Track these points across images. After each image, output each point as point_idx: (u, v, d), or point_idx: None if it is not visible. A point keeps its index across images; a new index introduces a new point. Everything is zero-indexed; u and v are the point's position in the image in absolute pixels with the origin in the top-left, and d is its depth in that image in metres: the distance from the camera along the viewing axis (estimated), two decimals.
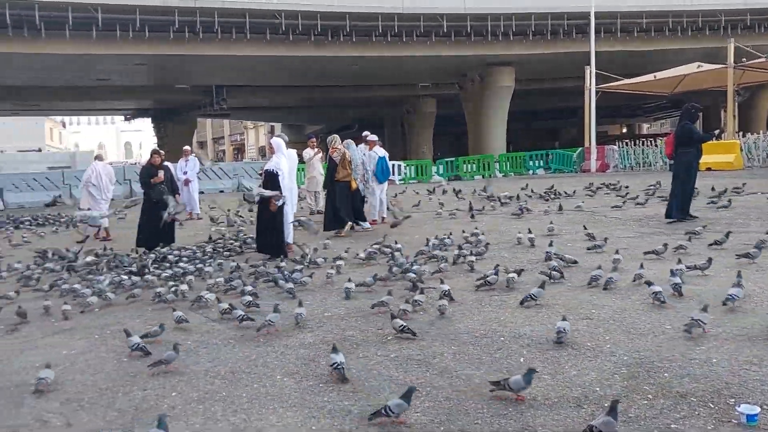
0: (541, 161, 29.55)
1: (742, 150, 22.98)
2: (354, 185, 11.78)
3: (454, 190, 18.05)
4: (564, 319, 4.87)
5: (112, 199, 14.56)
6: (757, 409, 3.34)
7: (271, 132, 57.96)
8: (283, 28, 27.05)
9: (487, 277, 6.62)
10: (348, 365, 4.54)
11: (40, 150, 66.07)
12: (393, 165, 26.98)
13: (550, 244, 8.13)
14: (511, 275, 6.67)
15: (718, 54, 26.88)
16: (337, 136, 12.02)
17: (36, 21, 23.18)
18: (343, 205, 11.52)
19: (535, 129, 56.58)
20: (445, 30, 29.30)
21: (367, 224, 12.13)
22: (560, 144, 45.57)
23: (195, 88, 38.41)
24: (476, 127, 36.30)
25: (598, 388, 3.93)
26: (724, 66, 24.57)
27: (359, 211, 12.10)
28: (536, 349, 4.70)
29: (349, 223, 11.66)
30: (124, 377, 4.68)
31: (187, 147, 17.20)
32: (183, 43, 26.44)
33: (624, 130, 61.85)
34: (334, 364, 4.33)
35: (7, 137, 71.51)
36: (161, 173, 10.61)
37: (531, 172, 28.71)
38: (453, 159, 29.85)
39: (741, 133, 25.28)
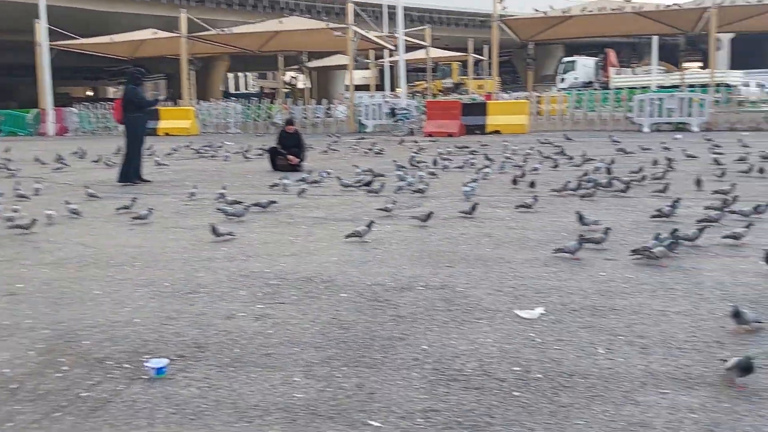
0: None
1: (197, 116, 24.66)
2: None
3: None
4: None
5: None
6: (165, 362, 3.48)
7: None
8: None
9: None
10: None
11: None
12: None
13: None
14: None
15: (177, 24, 28.02)
16: None
17: None
18: None
19: None
20: None
21: None
22: (19, 105, 41.39)
23: None
24: None
25: (7, 370, 3.56)
26: (177, 35, 25.77)
27: None
28: None
29: None
30: None
31: None
32: None
33: (90, 93, 59.94)
34: None
35: None
36: None
37: None
38: None
39: (197, 101, 27.15)
